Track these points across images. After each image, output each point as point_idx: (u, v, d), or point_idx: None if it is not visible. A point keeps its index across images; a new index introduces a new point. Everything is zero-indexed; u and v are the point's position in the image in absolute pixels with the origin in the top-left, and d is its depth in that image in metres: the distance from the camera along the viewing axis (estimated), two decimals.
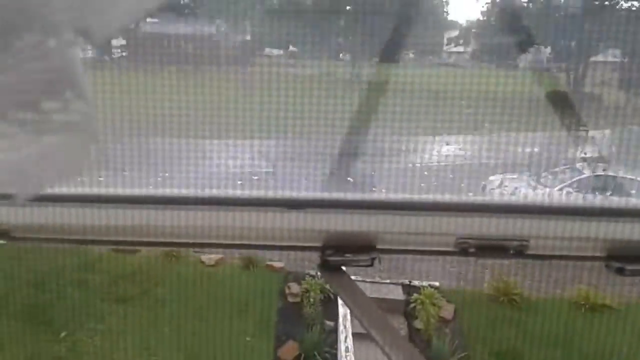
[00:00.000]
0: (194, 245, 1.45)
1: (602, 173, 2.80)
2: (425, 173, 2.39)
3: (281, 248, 1.44)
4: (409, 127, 2.62)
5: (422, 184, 1.74)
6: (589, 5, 4.22)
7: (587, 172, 2.85)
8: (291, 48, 4.20)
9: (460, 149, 3.09)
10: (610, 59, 3.76)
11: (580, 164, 2.83)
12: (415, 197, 1.45)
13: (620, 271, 1.40)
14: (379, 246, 1.40)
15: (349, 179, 1.59)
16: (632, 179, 2.65)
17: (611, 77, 3.85)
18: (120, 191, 1.40)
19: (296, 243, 1.43)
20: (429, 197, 1.45)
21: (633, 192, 2.46)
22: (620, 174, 2.66)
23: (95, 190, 1.39)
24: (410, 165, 2.73)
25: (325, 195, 1.47)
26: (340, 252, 1.39)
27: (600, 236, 1.40)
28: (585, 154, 2.75)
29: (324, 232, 1.40)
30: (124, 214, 1.38)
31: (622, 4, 4.23)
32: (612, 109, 3.31)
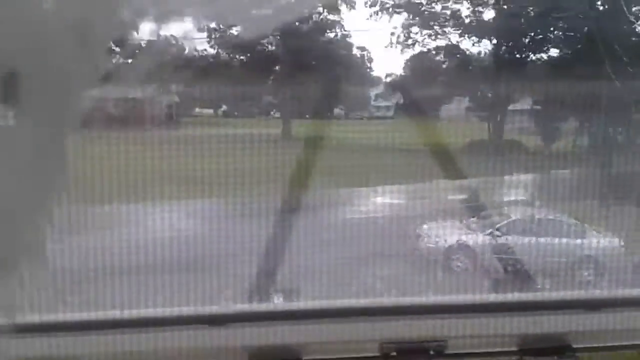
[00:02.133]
0: None
1: (527, 216, 2.93)
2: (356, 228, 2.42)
3: None
4: (343, 181, 2.66)
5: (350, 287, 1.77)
6: (501, 57, 4.52)
7: (513, 216, 2.98)
8: (223, 107, 4.22)
9: (392, 199, 3.16)
10: (526, 107, 3.99)
11: (506, 208, 2.95)
12: (339, 302, 1.45)
13: None
14: (304, 358, 1.37)
15: (272, 290, 1.59)
16: (554, 220, 2.78)
17: (529, 125, 4.09)
18: (37, 318, 1.29)
19: None
20: (352, 301, 1.46)
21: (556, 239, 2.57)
22: (543, 215, 2.79)
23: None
24: (348, 217, 2.76)
25: (248, 307, 1.44)
26: None
27: (513, 331, 1.42)
28: (510, 198, 2.87)
29: (248, 348, 1.34)
30: (40, 342, 1.28)
31: (531, 57, 4.55)
32: (531, 154, 3.49)
